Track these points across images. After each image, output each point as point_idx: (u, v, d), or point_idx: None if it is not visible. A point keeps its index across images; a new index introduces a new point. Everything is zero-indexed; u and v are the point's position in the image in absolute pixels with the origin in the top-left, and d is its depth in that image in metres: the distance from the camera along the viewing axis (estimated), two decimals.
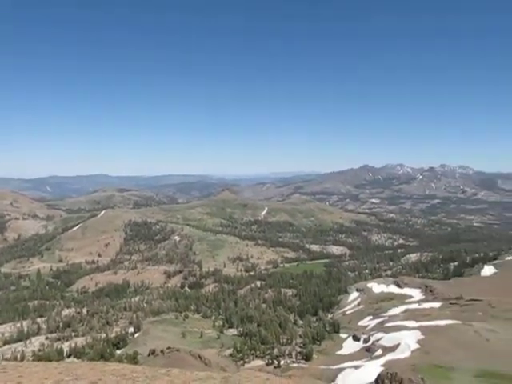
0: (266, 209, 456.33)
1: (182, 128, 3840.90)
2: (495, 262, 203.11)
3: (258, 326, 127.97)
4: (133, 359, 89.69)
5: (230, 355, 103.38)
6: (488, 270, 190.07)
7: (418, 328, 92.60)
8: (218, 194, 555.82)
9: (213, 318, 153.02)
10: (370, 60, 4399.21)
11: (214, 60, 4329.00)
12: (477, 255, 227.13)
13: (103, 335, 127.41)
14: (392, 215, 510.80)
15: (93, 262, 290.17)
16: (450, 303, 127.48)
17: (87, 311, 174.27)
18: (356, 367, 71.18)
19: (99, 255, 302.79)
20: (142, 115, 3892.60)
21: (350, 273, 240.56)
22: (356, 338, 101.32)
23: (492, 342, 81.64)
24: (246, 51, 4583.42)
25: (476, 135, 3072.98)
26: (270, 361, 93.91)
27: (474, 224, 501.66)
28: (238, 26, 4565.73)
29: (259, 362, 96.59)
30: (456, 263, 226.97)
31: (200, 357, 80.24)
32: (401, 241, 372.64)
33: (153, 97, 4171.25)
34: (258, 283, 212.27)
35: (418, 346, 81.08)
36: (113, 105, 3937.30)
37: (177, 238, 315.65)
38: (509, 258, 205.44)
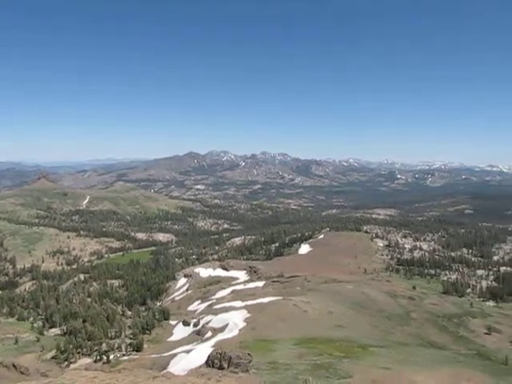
0: (88, 197, 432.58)
1: None
2: (310, 240, 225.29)
3: (84, 321, 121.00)
4: None
5: (53, 357, 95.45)
6: (304, 249, 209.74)
7: (245, 307, 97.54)
8: (33, 182, 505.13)
9: (31, 319, 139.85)
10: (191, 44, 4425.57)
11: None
12: (294, 235, 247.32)
13: None
14: (217, 201, 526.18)
15: None
16: (273, 281, 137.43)
17: None
18: (187, 351, 71.91)
19: None
20: None
21: (177, 259, 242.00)
22: (186, 323, 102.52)
23: (308, 313, 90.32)
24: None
25: (293, 124, 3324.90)
26: (99, 357, 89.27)
27: (292, 207, 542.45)
28: None
29: (87, 360, 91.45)
30: (277, 244, 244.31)
31: (15, 366, 72.53)
32: (225, 225, 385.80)
33: None
34: (82, 276, 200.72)
35: (244, 324, 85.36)
36: None
37: None
38: (321, 237, 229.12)
